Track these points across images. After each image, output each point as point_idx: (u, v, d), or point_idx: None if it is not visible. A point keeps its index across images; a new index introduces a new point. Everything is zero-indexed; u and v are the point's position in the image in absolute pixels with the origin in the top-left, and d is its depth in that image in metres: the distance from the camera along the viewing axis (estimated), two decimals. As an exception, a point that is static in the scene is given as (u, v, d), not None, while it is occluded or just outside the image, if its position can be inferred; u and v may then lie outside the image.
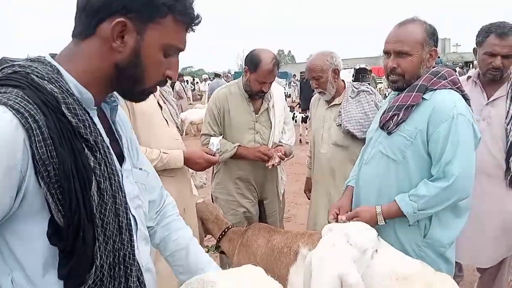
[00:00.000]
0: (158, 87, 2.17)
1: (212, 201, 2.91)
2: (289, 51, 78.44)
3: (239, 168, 2.81)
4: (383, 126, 1.87)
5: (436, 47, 1.87)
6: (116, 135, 1.09)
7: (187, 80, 21.02)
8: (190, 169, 2.44)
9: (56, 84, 0.88)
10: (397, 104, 1.83)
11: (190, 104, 16.48)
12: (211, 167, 2.84)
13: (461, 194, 1.75)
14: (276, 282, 1.01)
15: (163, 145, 2.12)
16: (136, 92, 1.02)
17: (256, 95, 2.72)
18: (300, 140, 10.07)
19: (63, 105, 0.86)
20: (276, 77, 2.95)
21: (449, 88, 1.79)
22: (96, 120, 0.97)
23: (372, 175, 1.94)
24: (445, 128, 1.71)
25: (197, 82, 25.55)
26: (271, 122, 2.81)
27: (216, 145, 2.40)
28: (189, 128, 12.39)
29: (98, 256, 0.89)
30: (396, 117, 1.82)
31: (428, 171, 1.79)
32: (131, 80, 0.99)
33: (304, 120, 10.46)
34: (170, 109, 2.31)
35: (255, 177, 2.84)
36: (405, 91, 1.84)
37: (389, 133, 1.85)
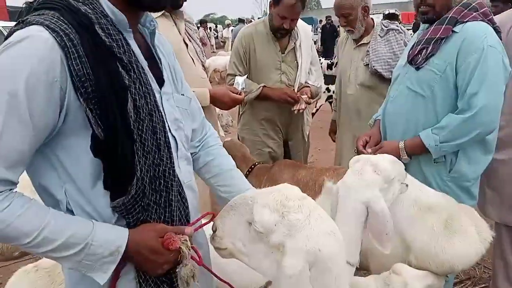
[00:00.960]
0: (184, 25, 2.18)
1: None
2: (315, -4, 75.17)
3: (265, 109, 2.82)
4: (411, 60, 1.85)
5: None
6: (156, 59, 1.12)
7: (210, 27, 20.61)
8: (216, 109, 2.48)
9: (90, 6, 0.92)
10: (426, 37, 1.80)
11: (213, 52, 16.30)
12: (237, 107, 2.89)
13: (485, 126, 1.73)
14: (310, 198, 1.06)
15: (190, 83, 2.14)
16: None
17: (277, 32, 2.65)
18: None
19: (96, 26, 0.91)
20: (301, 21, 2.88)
21: (480, 20, 1.74)
22: (132, 42, 1.00)
23: (398, 112, 1.93)
24: (475, 59, 1.68)
25: (219, 31, 25.03)
26: (297, 62, 2.77)
27: (241, 84, 2.42)
28: (213, 75, 12.35)
29: (138, 169, 0.95)
30: (425, 50, 1.79)
31: (455, 105, 1.77)
32: None
33: (330, 66, 10.22)
34: (196, 48, 2.31)
35: (280, 118, 2.86)
36: (435, 24, 1.79)
37: (418, 68, 1.82)
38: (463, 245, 1.43)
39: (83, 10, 0.91)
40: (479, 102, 1.68)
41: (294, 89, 2.74)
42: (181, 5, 2.15)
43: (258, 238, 1.00)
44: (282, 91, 2.67)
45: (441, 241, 1.45)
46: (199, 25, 13.74)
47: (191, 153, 1.33)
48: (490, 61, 1.67)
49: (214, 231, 1.10)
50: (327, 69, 10.16)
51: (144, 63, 1.03)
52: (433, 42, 1.77)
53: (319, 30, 22.27)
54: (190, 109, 1.25)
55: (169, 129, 1.08)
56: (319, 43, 13.80)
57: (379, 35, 2.64)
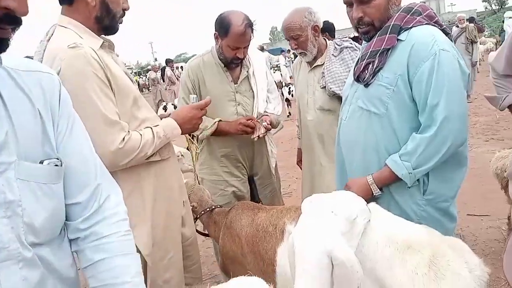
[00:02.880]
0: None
1: (198, 183, 2.70)
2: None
3: (223, 145, 2.59)
4: (358, 78, 1.68)
5: None
6: None
7: (181, 67, 20.57)
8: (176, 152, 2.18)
9: None
10: (370, 50, 1.64)
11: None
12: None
13: (455, 138, 1.54)
14: None
15: (150, 120, 1.80)
16: None
17: (231, 63, 2.47)
18: (298, 114, 9.84)
19: None
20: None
21: (425, 24, 1.60)
22: None
23: (354, 134, 1.75)
24: (428, 67, 1.51)
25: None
26: (253, 91, 2.59)
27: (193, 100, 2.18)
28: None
29: None
30: (371, 65, 1.63)
31: (415, 120, 1.59)
32: None
33: (300, 93, 10.21)
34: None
35: (242, 152, 2.63)
36: (377, 35, 1.63)
37: (367, 85, 1.65)
38: (454, 288, 1.18)
39: None
40: (442, 113, 1.50)
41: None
42: (117, 30, 1.77)
43: None
44: (236, 122, 2.46)
45: (427, 287, 1.19)
46: (164, 65, 13.54)
47: (74, 239, 0.98)
48: (444, 66, 1.51)
49: None
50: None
51: None
52: (378, 54, 1.61)
53: (287, 59, 22.49)
54: (58, 180, 0.93)
55: None
56: (291, 70, 13.83)
57: (333, 54, 2.49)
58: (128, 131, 1.60)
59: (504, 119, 7.05)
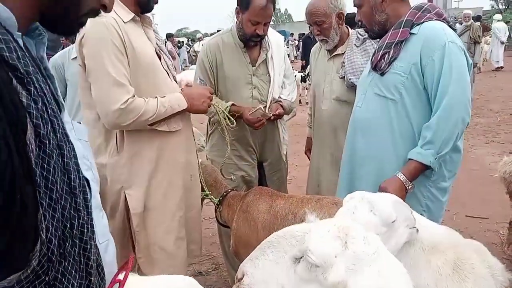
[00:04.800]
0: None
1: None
2: (286, 9, 75.96)
3: (235, 128, 2.55)
4: (375, 67, 1.86)
5: None
6: (47, 76, 0.82)
7: (182, 41, 20.30)
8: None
9: None
10: (386, 42, 1.83)
11: (186, 66, 16.00)
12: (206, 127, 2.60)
13: (463, 120, 1.72)
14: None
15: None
16: (70, 20, 0.81)
17: (250, 40, 2.41)
18: (300, 100, 9.76)
19: None
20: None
21: (435, 20, 1.80)
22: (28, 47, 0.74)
23: (369, 119, 1.90)
24: (438, 57, 1.70)
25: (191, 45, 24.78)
26: (269, 75, 2.54)
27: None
28: (185, 90, 12.02)
29: (44, 226, 0.64)
30: (387, 55, 1.81)
31: (426, 107, 1.77)
32: (67, 4, 0.78)
33: (303, 79, 10.08)
34: (167, 61, 2.06)
35: (254, 137, 2.60)
36: (392, 29, 1.83)
37: (383, 74, 1.83)
38: (477, 292, 1.19)
39: None
40: (451, 98, 1.68)
41: (266, 105, 2.49)
42: (152, 8, 1.90)
43: (308, 278, 0.85)
44: (245, 112, 2.42)
45: None
46: (165, 39, 13.36)
47: None
48: (453, 56, 1.70)
49: (240, 279, 0.91)
50: (300, 82, 10.01)
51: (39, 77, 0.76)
52: (393, 45, 1.80)
53: (290, 43, 22.13)
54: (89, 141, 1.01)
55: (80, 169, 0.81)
56: (294, 54, 13.57)
57: (355, 44, 2.44)
58: (134, 95, 1.73)
59: (505, 122, 7.10)
